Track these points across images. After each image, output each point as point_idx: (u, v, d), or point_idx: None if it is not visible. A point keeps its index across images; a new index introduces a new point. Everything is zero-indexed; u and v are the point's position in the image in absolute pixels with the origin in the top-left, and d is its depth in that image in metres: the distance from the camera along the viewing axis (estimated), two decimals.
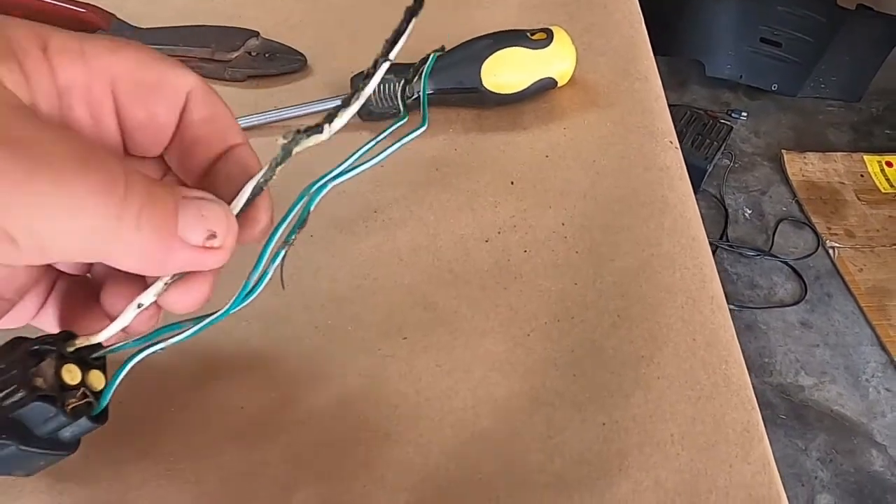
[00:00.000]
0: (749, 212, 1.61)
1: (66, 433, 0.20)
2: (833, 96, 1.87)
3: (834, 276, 1.49)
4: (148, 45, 0.20)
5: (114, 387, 0.21)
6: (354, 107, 0.22)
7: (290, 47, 0.42)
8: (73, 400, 0.20)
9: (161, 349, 0.21)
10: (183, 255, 0.18)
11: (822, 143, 1.78)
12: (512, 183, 0.36)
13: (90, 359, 0.21)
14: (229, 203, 0.20)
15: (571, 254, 0.32)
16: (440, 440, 0.26)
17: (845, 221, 1.59)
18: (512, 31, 0.38)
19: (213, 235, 0.19)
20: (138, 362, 0.21)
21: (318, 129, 0.21)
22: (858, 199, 1.63)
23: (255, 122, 0.38)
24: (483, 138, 0.38)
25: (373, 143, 0.26)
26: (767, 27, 1.80)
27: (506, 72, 0.38)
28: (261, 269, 0.22)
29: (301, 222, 0.22)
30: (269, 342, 0.29)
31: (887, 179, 1.68)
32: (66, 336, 0.21)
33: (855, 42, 1.78)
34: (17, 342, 0.20)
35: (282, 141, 0.20)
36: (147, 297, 0.20)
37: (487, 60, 0.38)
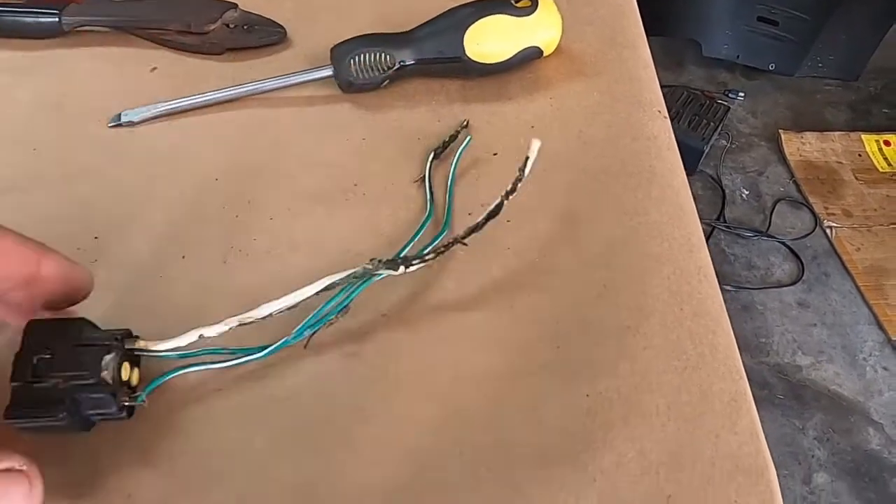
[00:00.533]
0: (746, 192, 1.60)
1: (99, 417, 0.23)
2: (831, 75, 1.85)
3: (831, 255, 1.48)
4: None
5: (147, 391, 0.24)
6: (431, 257, 0.27)
7: (269, 19, 0.41)
8: (125, 397, 0.23)
9: (196, 370, 0.25)
10: None
11: (820, 123, 1.76)
12: (495, 154, 0.35)
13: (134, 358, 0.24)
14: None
15: (556, 223, 0.32)
16: (420, 415, 0.26)
17: (843, 201, 1.58)
18: None
19: None
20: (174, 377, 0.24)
21: (395, 266, 0.26)
22: (856, 178, 1.62)
23: (234, 94, 0.37)
24: (467, 109, 0.37)
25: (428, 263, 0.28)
26: (764, 5, 1.78)
27: (489, 40, 0.37)
28: (301, 333, 0.26)
29: (342, 308, 0.26)
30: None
31: (885, 159, 1.67)
32: (129, 334, 0.24)
33: (852, 20, 1.76)
34: (85, 324, 0.23)
35: (366, 265, 0.26)
36: (209, 331, 0.24)
37: (470, 29, 0.36)
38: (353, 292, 0.27)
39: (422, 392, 0.26)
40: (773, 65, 1.83)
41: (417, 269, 0.27)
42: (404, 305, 0.29)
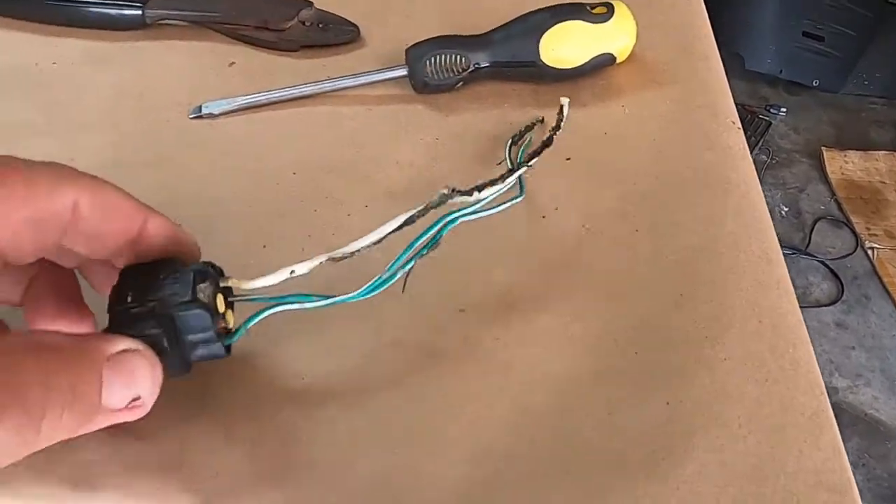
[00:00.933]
0: (786, 209, 1.58)
1: (198, 353, 0.23)
2: (876, 93, 1.82)
3: (872, 277, 1.46)
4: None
5: (246, 327, 0.24)
6: (501, 185, 0.28)
7: (343, 18, 0.42)
8: (222, 323, 0.23)
9: (288, 308, 0.24)
10: (105, 420, 0.20)
11: (864, 141, 1.73)
12: (568, 159, 0.35)
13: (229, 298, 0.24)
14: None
15: (631, 231, 0.32)
16: (498, 415, 0.26)
17: (886, 222, 1.55)
18: (572, 3, 0.37)
19: (137, 398, 0.20)
20: (265, 317, 0.24)
21: (469, 192, 0.27)
22: None
23: (311, 91, 0.37)
24: (539, 113, 0.37)
25: (499, 188, 0.29)
26: (810, 20, 1.76)
27: (565, 46, 0.37)
28: (393, 269, 0.26)
29: (433, 243, 0.26)
30: (326, 310, 0.29)
31: None
32: (220, 272, 0.24)
33: None
34: (178, 261, 0.23)
35: (442, 191, 0.26)
36: (301, 268, 0.24)
37: (546, 34, 0.37)
38: (435, 225, 0.26)
39: (498, 391, 0.26)
40: (818, 81, 1.81)
41: (490, 194, 0.28)
42: (482, 302, 0.29)
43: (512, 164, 0.34)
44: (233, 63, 0.40)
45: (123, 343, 0.20)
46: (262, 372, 0.26)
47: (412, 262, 0.26)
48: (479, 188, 0.28)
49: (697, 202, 0.33)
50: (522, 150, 0.35)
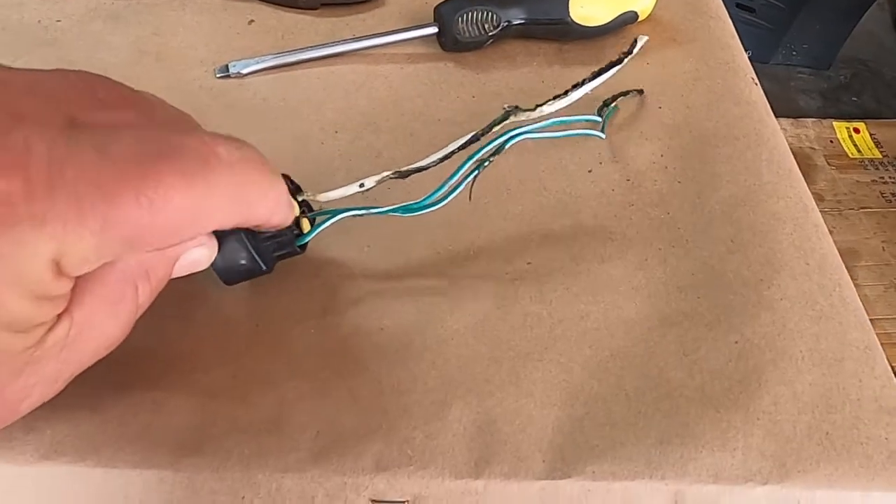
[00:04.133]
0: None
1: (276, 252, 0.25)
2: (803, 64, 1.92)
3: None
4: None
5: (319, 228, 0.25)
6: (564, 100, 0.30)
7: None
8: (296, 230, 0.25)
9: (357, 214, 0.26)
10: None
11: (794, 110, 1.82)
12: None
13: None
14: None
15: (674, 183, 0.33)
16: (580, 359, 0.26)
17: (815, 186, 1.64)
18: None
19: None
20: (337, 221, 0.26)
21: (532, 108, 0.29)
22: (828, 164, 1.69)
23: (340, 50, 0.36)
24: (568, 71, 0.38)
25: (563, 103, 0.30)
26: None
27: (593, 3, 0.37)
28: (456, 179, 0.26)
29: (498, 150, 0.27)
30: (394, 266, 0.28)
31: (854, 145, 1.74)
32: (298, 187, 0.26)
33: (825, 10, 1.82)
34: None
35: (505, 107, 0.28)
36: (369, 181, 0.26)
37: None
38: (500, 137, 0.27)
39: (578, 337, 0.27)
40: (750, 52, 1.88)
41: (553, 108, 0.29)
42: (546, 254, 0.29)
43: (605, 122, 0.34)
44: (252, 21, 0.38)
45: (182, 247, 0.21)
46: (342, 328, 0.26)
47: (477, 171, 0.27)
48: (542, 103, 0.29)
49: (733, 154, 0.34)
50: (608, 116, 0.34)
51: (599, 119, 0.33)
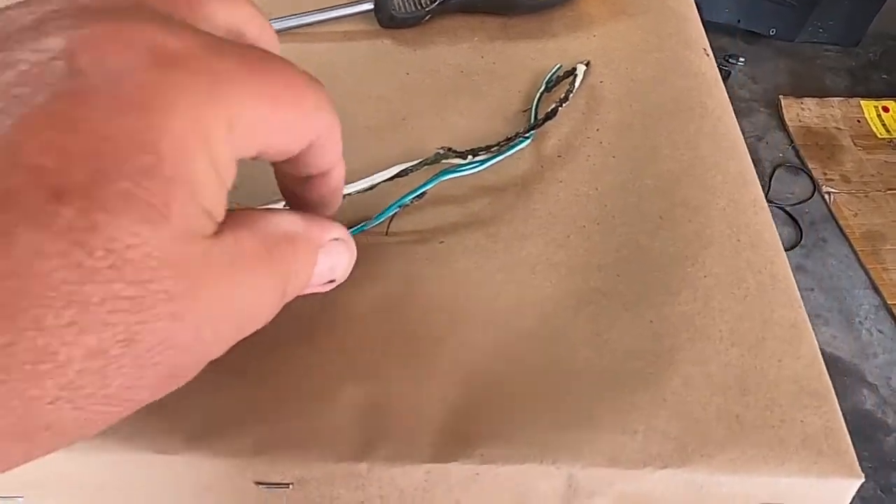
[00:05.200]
0: None
1: None
2: (831, 41, 1.85)
3: (829, 221, 1.49)
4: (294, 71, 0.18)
5: None
6: (497, 156, 0.30)
7: None
8: None
9: None
10: (303, 292, 0.21)
11: (820, 89, 1.76)
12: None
13: None
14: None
15: (608, 158, 0.31)
16: (486, 339, 0.26)
17: (841, 167, 1.59)
18: None
19: (332, 280, 0.22)
20: None
21: (463, 154, 0.30)
22: (855, 144, 1.63)
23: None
24: (510, 46, 0.36)
25: (494, 159, 0.30)
26: None
27: None
28: (376, 224, 0.28)
29: (417, 193, 0.28)
30: None
31: (883, 125, 1.68)
32: None
33: None
34: None
35: (438, 150, 0.29)
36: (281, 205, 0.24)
37: None
38: (428, 182, 0.28)
39: (486, 318, 0.26)
40: (774, 30, 1.83)
41: (485, 161, 0.30)
42: (463, 235, 0.28)
43: (536, 112, 0.33)
44: None
45: (336, 231, 0.21)
46: None
47: (395, 209, 0.27)
48: (475, 152, 0.30)
49: (673, 128, 0.32)
50: (536, 106, 0.33)
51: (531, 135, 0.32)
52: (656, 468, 0.23)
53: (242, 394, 0.24)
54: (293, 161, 0.20)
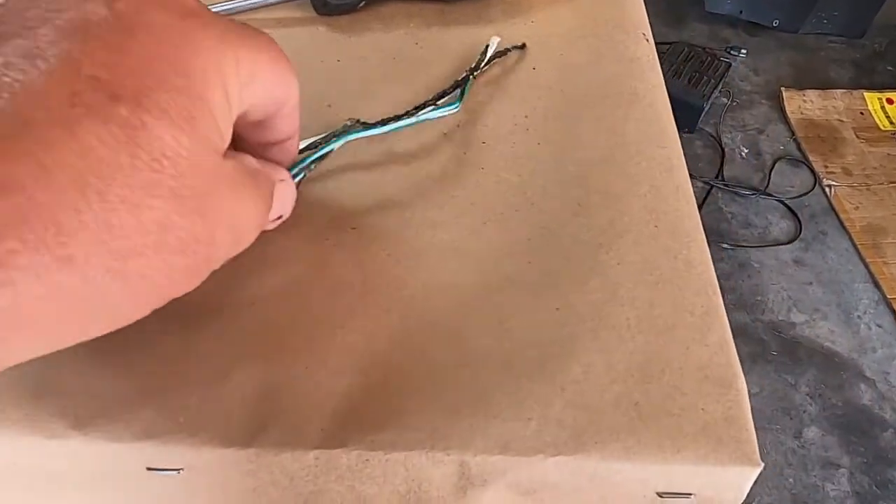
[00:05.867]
0: (746, 151, 1.58)
1: None
2: (835, 32, 1.82)
3: (829, 214, 1.47)
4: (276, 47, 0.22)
5: None
6: (406, 120, 0.30)
7: None
8: None
9: None
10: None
11: (823, 81, 1.74)
12: (473, 77, 0.34)
13: None
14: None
15: (533, 145, 0.31)
16: (387, 327, 0.25)
17: (843, 160, 1.56)
18: None
19: (280, 216, 0.25)
20: None
21: (373, 126, 0.30)
22: (857, 136, 1.61)
23: (225, 9, 0.36)
24: (445, 32, 0.36)
25: (406, 121, 0.31)
26: None
27: None
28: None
29: (320, 157, 0.28)
30: None
31: (887, 117, 1.65)
32: None
33: None
34: None
35: (345, 122, 0.29)
36: None
37: None
38: (330, 143, 0.28)
39: (389, 305, 0.26)
40: (777, 21, 1.80)
41: (391, 129, 0.30)
42: (375, 220, 0.28)
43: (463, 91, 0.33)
44: None
45: (283, 173, 0.24)
46: None
47: (301, 175, 0.28)
48: (384, 122, 0.30)
49: (601, 114, 0.32)
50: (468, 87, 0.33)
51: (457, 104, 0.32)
52: (548, 455, 0.22)
53: (133, 378, 0.24)
54: (265, 124, 0.23)
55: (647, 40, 0.36)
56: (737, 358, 0.25)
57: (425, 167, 0.30)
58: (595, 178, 0.30)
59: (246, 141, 0.24)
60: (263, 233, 0.27)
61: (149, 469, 0.23)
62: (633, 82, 0.33)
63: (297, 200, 0.28)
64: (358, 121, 0.30)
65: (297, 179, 0.27)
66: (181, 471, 0.23)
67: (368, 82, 0.33)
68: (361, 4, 0.36)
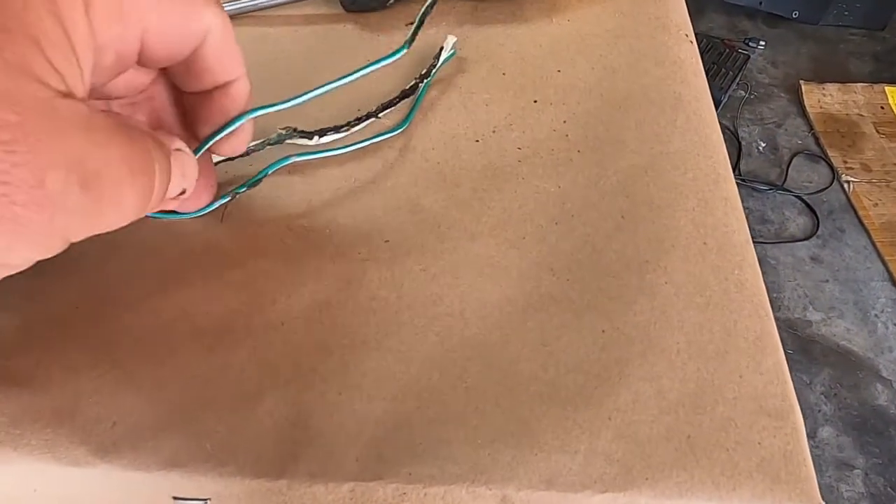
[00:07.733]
0: (763, 145, 1.56)
1: None
2: (856, 24, 1.79)
3: (847, 210, 1.45)
4: None
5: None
6: (343, 134, 0.29)
7: None
8: None
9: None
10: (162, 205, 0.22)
11: (843, 74, 1.70)
12: (504, 74, 0.32)
13: None
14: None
15: (573, 153, 0.30)
16: (423, 348, 0.24)
17: (862, 155, 1.54)
18: None
19: (183, 192, 0.22)
20: None
21: (309, 135, 0.28)
22: (877, 132, 1.58)
23: (230, 11, 0.34)
24: (478, 31, 0.34)
25: (348, 148, 0.29)
26: None
27: None
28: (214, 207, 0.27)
29: (252, 182, 0.27)
30: (241, 244, 0.27)
31: None
32: None
33: None
34: None
35: (280, 130, 0.28)
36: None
37: None
38: (267, 169, 0.27)
39: (425, 324, 0.24)
40: (797, 13, 1.77)
41: (331, 139, 0.29)
42: (409, 232, 0.27)
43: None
44: None
45: (179, 143, 0.22)
46: (163, 312, 0.24)
47: (228, 197, 0.27)
48: (322, 133, 0.28)
49: (643, 120, 0.30)
50: (425, 85, 0.32)
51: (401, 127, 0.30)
52: (595, 492, 0.21)
53: (159, 404, 0.22)
54: (190, 67, 0.22)
55: (691, 42, 0.34)
56: (792, 387, 0.24)
57: (459, 175, 0.29)
58: (639, 189, 0.28)
59: (185, 93, 0.24)
60: (289, 248, 0.26)
61: (175, 499, 0.22)
62: (676, 87, 0.32)
63: (322, 212, 0.27)
64: (295, 129, 0.28)
65: (223, 201, 0.27)
66: (208, 501, 0.22)
67: (400, 85, 0.32)
68: (391, 2, 0.35)
